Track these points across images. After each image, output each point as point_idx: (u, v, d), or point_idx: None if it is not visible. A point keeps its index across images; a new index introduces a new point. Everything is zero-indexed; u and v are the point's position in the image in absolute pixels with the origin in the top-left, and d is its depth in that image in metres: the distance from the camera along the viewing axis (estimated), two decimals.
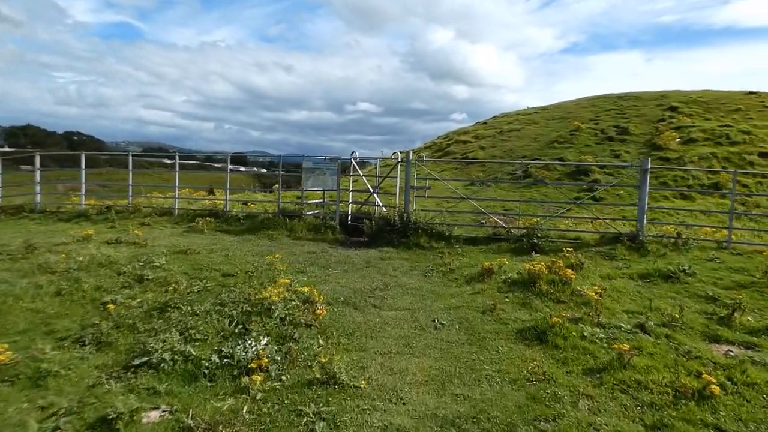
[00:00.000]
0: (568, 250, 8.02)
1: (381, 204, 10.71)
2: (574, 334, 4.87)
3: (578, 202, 10.97)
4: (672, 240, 8.47)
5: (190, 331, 4.75)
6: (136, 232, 9.32)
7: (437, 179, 11.61)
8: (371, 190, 10.85)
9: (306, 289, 5.73)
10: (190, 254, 8.21)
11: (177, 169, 11.79)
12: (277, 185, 12.28)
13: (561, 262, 6.94)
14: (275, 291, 5.36)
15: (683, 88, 25.71)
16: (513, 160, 20.37)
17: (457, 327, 5.36)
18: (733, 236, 8.72)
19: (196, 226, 10.48)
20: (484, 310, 5.80)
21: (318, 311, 5.35)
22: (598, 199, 15.38)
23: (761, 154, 16.28)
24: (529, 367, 4.29)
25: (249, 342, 4.51)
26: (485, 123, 28.67)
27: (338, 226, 10.44)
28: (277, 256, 7.45)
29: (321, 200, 11.91)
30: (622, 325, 5.16)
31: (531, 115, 27.20)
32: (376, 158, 11.56)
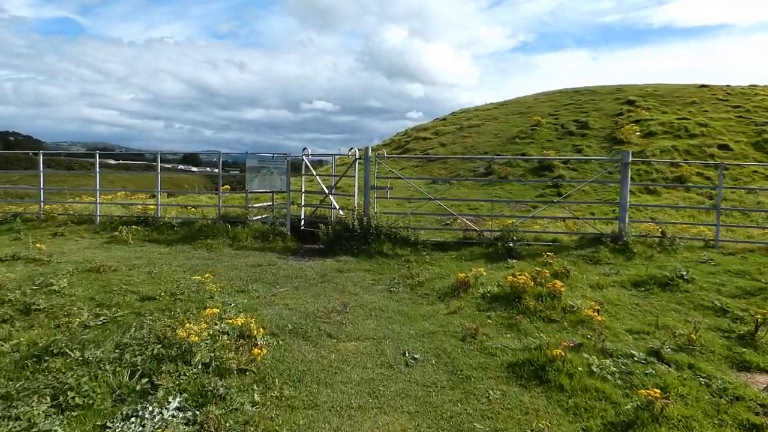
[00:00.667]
0: (548, 255, 7.13)
1: (338, 207, 9.51)
2: (579, 369, 3.88)
3: (553, 202, 10.20)
4: (657, 240, 7.76)
5: (68, 393, 3.40)
6: (38, 245, 7.68)
7: (400, 178, 10.53)
8: (326, 192, 9.63)
9: (240, 321, 4.47)
10: (104, 272, 6.72)
11: (97, 169, 10.09)
12: (226, 186, 10.87)
13: (546, 270, 6.01)
14: (196, 328, 4.07)
15: (631, 83, 25.82)
16: (475, 155, 19.64)
17: (433, 362, 4.26)
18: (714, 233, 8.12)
19: (120, 236, 8.91)
20: (464, 336, 4.74)
21: (255, 350, 4.11)
22: (565, 196, 14.87)
23: (720, 146, 16.22)
24: (534, 425, 3.24)
25: (151, 408, 3.23)
26: (444, 119, 27.96)
27: (289, 233, 9.14)
28: (208, 275, 6.10)
29: (270, 203, 10.56)
30: (633, 352, 4.23)
31: (490, 111, 26.71)
32: (331, 155, 10.36)
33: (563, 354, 3.97)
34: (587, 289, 6.04)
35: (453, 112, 29.00)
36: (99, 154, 10.26)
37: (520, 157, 17.55)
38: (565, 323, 4.95)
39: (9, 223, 10.27)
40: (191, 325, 4.11)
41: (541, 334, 4.67)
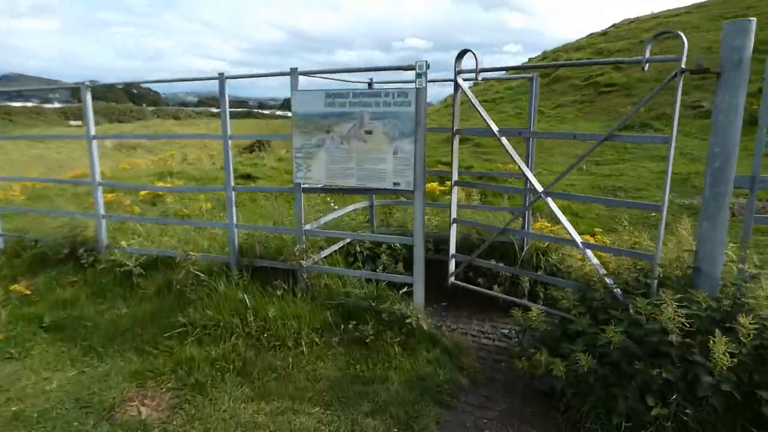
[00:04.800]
0: None
1: (579, 239, 2.88)
2: None
3: None
4: None
5: None
6: None
7: None
8: (538, 188, 3.08)
9: None
10: None
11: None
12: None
13: None
14: None
15: None
16: None
17: None
18: None
19: None
20: None
21: None
22: None
23: None
24: None
25: None
26: (605, 33, 19.55)
27: (422, 321, 2.97)
28: None
29: (367, 205, 4.37)
30: None
31: (682, 17, 17.76)
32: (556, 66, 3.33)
33: None
34: None
35: (614, 24, 20.19)
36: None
37: None
38: None
39: None
40: None
41: None
